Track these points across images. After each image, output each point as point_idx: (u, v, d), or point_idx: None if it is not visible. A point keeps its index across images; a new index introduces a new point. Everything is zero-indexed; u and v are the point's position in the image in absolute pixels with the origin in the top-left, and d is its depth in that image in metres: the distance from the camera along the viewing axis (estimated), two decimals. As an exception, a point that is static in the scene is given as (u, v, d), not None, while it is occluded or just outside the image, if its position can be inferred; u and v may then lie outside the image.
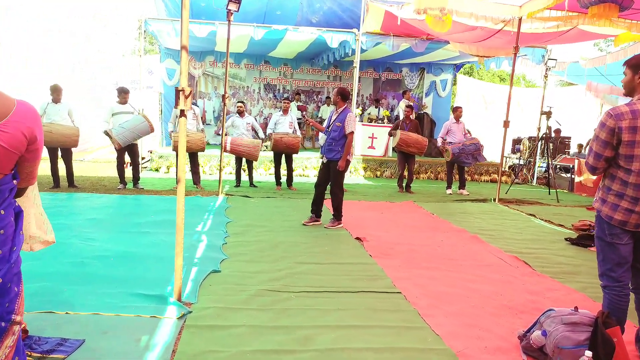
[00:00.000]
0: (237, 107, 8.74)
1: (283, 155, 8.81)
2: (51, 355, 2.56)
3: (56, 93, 7.53)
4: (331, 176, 5.83)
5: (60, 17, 12.50)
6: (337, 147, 5.72)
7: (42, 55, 12.18)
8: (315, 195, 6.03)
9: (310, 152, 9.33)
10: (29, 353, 2.57)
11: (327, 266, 4.36)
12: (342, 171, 5.75)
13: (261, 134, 8.85)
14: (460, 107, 9.26)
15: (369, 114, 14.24)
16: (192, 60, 13.79)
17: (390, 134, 9.58)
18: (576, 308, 2.80)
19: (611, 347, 2.48)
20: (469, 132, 9.48)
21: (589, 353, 2.39)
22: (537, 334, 2.77)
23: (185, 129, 3.22)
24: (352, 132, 5.69)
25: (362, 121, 13.66)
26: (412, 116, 9.53)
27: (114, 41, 13.21)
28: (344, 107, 5.78)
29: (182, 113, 3.19)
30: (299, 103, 13.74)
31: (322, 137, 5.95)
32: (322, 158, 5.92)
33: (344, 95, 5.74)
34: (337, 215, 5.98)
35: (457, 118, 9.18)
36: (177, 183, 3.02)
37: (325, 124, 6.11)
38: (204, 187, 8.46)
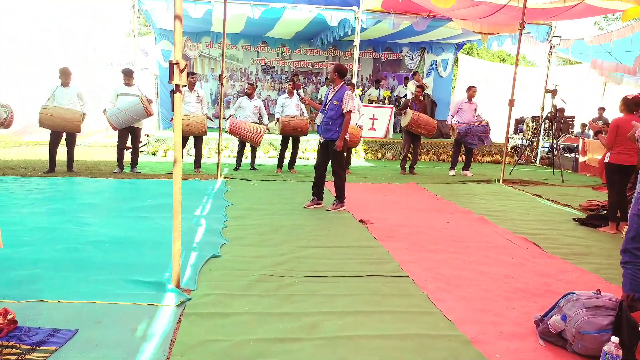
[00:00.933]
0: (247, 88, 8.68)
1: (290, 138, 8.74)
2: (42, 347, 2.42)
3: (65, 76, 7.51)
4: (330, 156, 5.78)
5: (60, 17, 12.39)
6: (335, 126, 5.66)
7: (42, 55, 12.11)
8: (315, 177, 5.98)
9: (310, 134, 9.20)
10: (18, 345, 2.42)
11: (331, 250, 4.29)
12: (340, 151, 5.68)
13: (265, 120, 8.79)
14: (474, 87, 9.14)
15: (369, 95, 14.12)
16: (187, 41, 13.60)
17: (399, 113, 9.47)
18: (598, 291, 2.65)
19: (637, 332, 2.33)
20: (480, 115, 9.34)
21: (615, 339, 2.24)
22: (556, 318, 2.63)
23: (180, 106, 3.03)
24: (350, 111, 5.62)
25: (362, 102, 13.50)
26: (422, 97, 9.41)
27: (113, 40, 12.98)
28: (341, 84, 5.70)
29: (177, 88, 3.00)
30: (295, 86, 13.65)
31: (319, 117, 5.87)
32: (320, 138, 5.86)
33: (341, 72, 5.66)
34: (340, 197, 5.92)
35: (470, 98, 9.07)
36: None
37: (322, 103, 6.09)
38: (202, 171, 8.42)
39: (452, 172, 9.26)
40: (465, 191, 7.71)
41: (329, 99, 5.75)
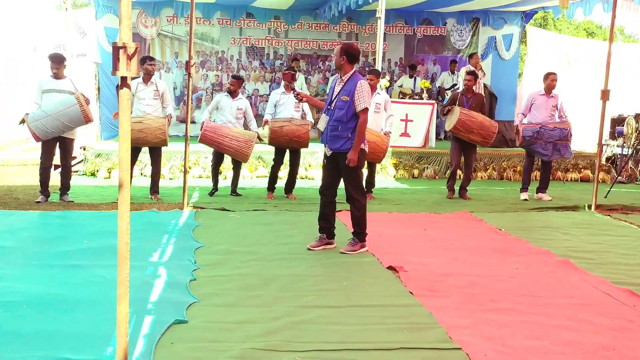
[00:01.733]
0: (230, 84, 8.87)
1: (287, 152, 8.80)
2: None
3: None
4: (342, 175, 5.86)
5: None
6: (345, 131, 5.74)
7: None
8: (322, 206, 6.03)
9: (313, 144, 9.25)
10: None
11: (346, 311, 4.31)
12: (356, 167, 5.76)
13: (254, 127, 8.95)
14: (554, 74, 9.24)
15: (401, 86, 14.12)
16: (141, 15, 13.77)
17: (444, 112, 9.52)
18: None
19: None
20: (564, 114, 9.35)
21: None
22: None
23: (128, 107, 3.05)
24: (367, 109, 5.71)
25: (390, 97, 13.46)
26: (476, 88, 9.46)
27: (37, 15, 13.28)
28: (351, 72, 5.79)
29: (124, 82, 3.03)
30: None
31: (323, 119, 5.94)
32: (325, 150, 5.94)
33: (350, 55, 5.75)
34: (359, 234, 5.96)
35: (549, 89, 9.15)
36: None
37: (327, 99, 6.14)
38: (162, 197, 8.52)
39: (523, 196, 9.32)
40: (542, 223, 7.70)
41: (335, 93, 5.84)
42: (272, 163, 8.91)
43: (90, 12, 13.33)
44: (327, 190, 5.97)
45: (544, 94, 9.15)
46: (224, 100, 8.77)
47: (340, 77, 5.82)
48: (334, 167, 5.87)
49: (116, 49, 2.98)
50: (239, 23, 14.34)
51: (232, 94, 8.78)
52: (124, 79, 3.03)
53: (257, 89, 14.61)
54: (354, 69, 5.81)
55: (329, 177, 5.94)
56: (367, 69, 13.36)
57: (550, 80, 9.10)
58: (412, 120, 11.88)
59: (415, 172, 11.50)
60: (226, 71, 14.43)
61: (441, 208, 8.38)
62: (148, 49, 14.00)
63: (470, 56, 13.27)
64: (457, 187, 9.34)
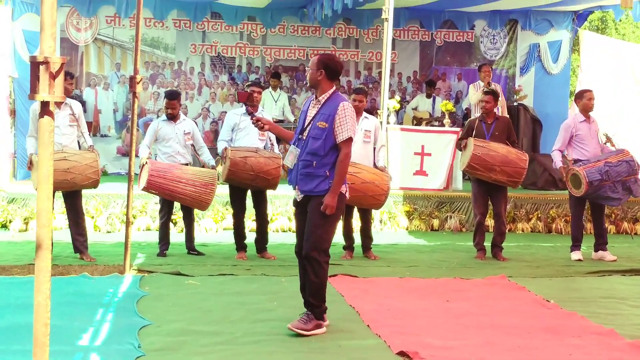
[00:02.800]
0: (166, 105, 8.85)
1: (249, 193, 8.84)
2: None
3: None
4: (309, 223, 5.80)
5: None
6: (322, 168, 5.75)
7: None
8: (301, 273, 6.02)
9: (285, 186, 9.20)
10: None
11: None
12: (331, 215, 5.71)
13: (206, 155, 9.00)
14: (590, 91, 9.35)
15: (415, 109, 14.20)
16: (73, 14, 13.78)
17: (458, 147, 9.62)
18: None
19: None
20: (609, 138, 9.45)
21: None
22: None
23: (50, 142, 3.05)
24: (351, 139, 5.72)
25: (401, 123, 13.55)
26: (499, 110, 9.48)
27: None
28: (331, 91, 5.84)
29: (45, 109, 3.02)
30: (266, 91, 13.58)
31: (292, 152, 5.94)
32: (295, 194, 5.97)
33: (331, 69, 5.80)
34: (315, 308, 5.83)
35: (587, 110, 9.21)
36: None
37: (298, 127, 6.16)
38: (95, 257, 8.46)
39: (575, 256, 9.34)
40: (604, 292, 7.62)
41: (309, 118, 5.89)
42: (233, 211, 8.98)
43: (5, 11, 13.28)
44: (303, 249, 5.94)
45: (584, 120, 9.22)
46: (164, 127, 8.81)
47: (316, 97, 5.87)
48: (306, 216, 5.85)
49: (35, 64, 2.98)
50: (201, 25, 14.42)
51: (173, 118, 8.84)
52: (44, 105, 3.02)
53: (225, 112, 14.38)
54: (334, 88, 5.86)
55: (303, 230, 5.90)
56: (339, 86, 13.40)
57: (586, 99, 9.24)
58: (429, 154, 11.89)
59: (435, 223, 11.50)
60: (185, 88, 14.47)
61: (469, 272, 8.35)
62: (81, 59, 14.00)
63: (479, 68, 13.17)
64: (489, 244, 9.34)
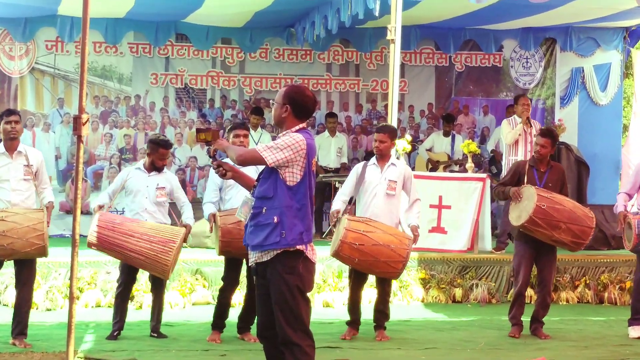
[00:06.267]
0: (157, 155, 8.79)
1: (240, 263, 8.80)
2: None
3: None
4: (273, 303, 5.84)
5: None
6: (272, 214, 5.80)
7: None
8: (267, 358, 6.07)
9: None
10: None
11: None
12: (292, 290, 5.73)
13: (187, 215, 9.09)
14: None
15: (430, 150, 14.24)
16: (5, 38, 13.90)
17: (501, 195, 9.56)
18: None
19: None
20: None
21: None
22: None
23: None
24: (256, 153, 5.84)
25: (413, 168, 13.43)
26: (547, 150, 9.35)
27: None
28: (295, 129, 5.89)
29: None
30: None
31: (247, 203, 6.00)
32: (249, 257, 6.00)
33: (299, 105, 5.89)
34: None
35: None
36: None
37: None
38: (32, 342, 8.41)
39: (635, 332, 9.29)
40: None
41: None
42: (221, 284, 8.95)
43: None
44: (267, 331, 5.93)
45: None
46: (133, 177, 8.80)
47: (278, 136, 5.97)
48: (269, 290, 5.84)
49: None
50: (164, 51, 14.59)
51: (155, 166, 8.83)
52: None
53: (195, 157, 14.63)
54: (300, 127, 5.86)
55: (267, 308, 5.85)
56: (308, 124, 14.51)
57: None
58: (449, 207, 11.99)
59: (457, 293, 11.47)
60: (143, 128, 14.53)
61: (501, 355, 8.34)
62: (15, 93, 14.04)
63: (516, 100, 13.05)
64: (526, 319, 9.26)
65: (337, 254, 8.56)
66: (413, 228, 8.82)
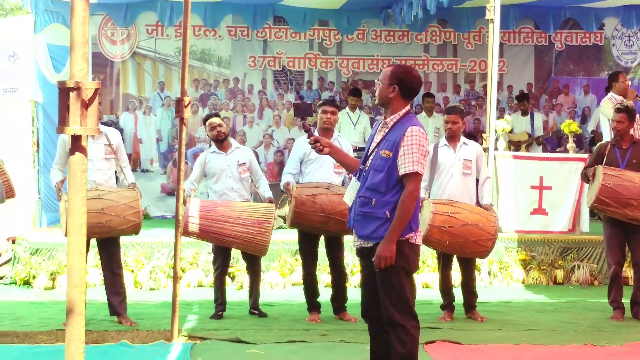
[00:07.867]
0: (211, 126, 8.96)
1: (322, 239, 8.92)
2: None
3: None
4: (379, 285, 5.77)
5: None
6: (382, 208, 5.69)
7: None
8: (372, 342, 6.01)
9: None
10: None
11: None
12: (398, 271, 5.64)
13: (264, 188, 9.13)
14: None
15: (510, 131, 13.84)
16: (106, 23, 14.08)
17: (585, 178, 9.53)
18: None
19: None
20: None
21: None
22: None
23: (82, 183, 3.11)
24: (418, 175, 5.64)
25: (509, 148, 13.41)
26: (637, 134, 9.51)
27: None
28: (402, 112, 5.81)
29: (77, 144, 3.07)
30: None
31: (352, 187, 5.94)
32: (354, 240, 5.96)
33: (406, 86, 5.79)
34: None
35: None
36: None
37: (363, 156, 6.13)
38: (136, 320, 8.54)
39: None
40: None
41: (373, 144, 5.91)
42: (301, 260, 9.05)
43: (26, 22, 13.47)
44: (372, 312, 5.89)
45: None
46: (213, 160, 8.95)
47: (384, 118, 5.86)
48: (373, 270, 5.71)
49: (64, 91, 3.01)
50: (262, 33, 14.58)
51: (221, 143, 8.97)
52: (76, 139, 3.07)
53: (293, 139, 14.22)
54: (407, 108, 5.83)
55: (371, 289, 5.84)
56: (413, 105, 13.81)
57: None
58: (550, 188, 11.84)
59: (559, 274, 11.41)
60: (242, 110, 14.59)
61: (604, 337, 8.15)
62: (117, 78, 14.24)
63: (614, 77, 12.64)
64: (627, 300, 9.20)
65: (426, 239, 8.12)
66: (486, 206, 8.80)
